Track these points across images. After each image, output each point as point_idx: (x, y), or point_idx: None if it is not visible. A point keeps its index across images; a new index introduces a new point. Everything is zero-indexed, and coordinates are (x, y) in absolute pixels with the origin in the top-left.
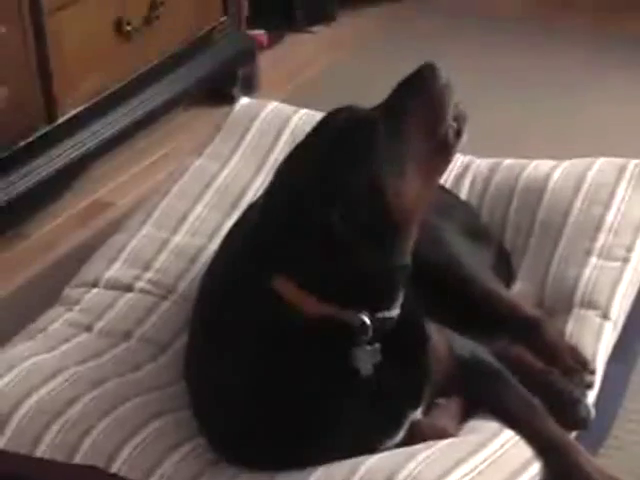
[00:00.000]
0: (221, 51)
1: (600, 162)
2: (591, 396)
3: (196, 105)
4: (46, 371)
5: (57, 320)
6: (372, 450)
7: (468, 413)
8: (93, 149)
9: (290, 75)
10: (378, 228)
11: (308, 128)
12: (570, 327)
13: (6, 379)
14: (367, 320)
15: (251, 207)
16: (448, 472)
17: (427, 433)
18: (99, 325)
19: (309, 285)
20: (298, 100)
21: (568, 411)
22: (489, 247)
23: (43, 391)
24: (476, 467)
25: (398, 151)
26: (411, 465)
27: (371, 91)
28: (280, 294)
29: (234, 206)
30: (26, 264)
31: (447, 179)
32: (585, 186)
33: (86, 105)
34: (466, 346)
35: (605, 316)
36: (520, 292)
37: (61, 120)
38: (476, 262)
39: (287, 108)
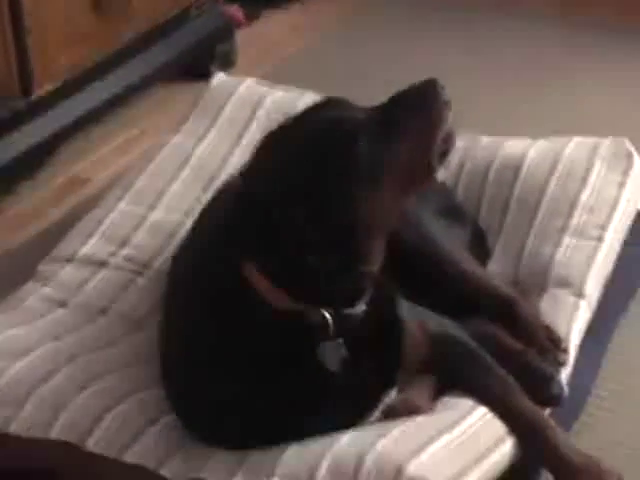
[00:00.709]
0: (198, 27)
1: (575, 141)
2: (564, 374)
3: (173, 81)
4: (20, 346)
5: (32, 295)
6: (346, 428)
7: (442, 390)
8: (69, 125)
9: (267, 52)
10: (344, 235)
11: (284, 106)
12: (544, 305)
13: None
14: (328, 316)
15: (224, 187)
16: (421, 449)
17: (401, 410)
18: (74, 301)
19: (273, 276)
20: (274, 77)
21: (541, 388)
22: (464, 226)
23: (17, 366)
24: (449, 444)
25: (379, 164)
26: (383, 443)
27: (345, 70)
28: (248, 280)
29: (210, 183)
30: (1, 240)
31: None
32: (560, 165)
33: (62, 80)
34: (441, 325)
35: (579, 294)
36: (495, 271)
37: (37, 95)
38: (451, 241)
39: (263, 85)
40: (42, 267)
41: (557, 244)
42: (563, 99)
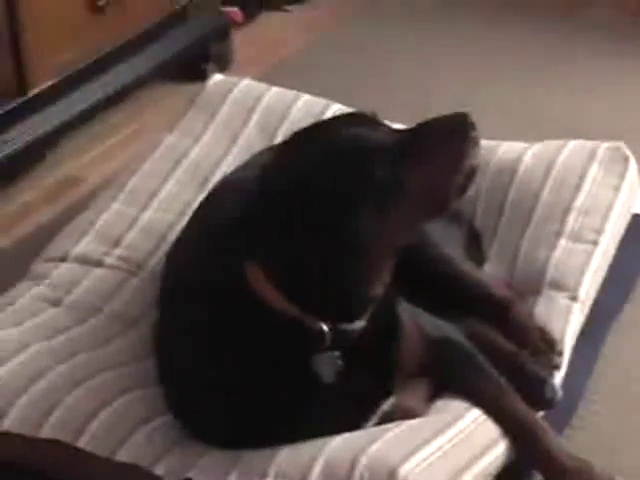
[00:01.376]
0: (195, 27)
1: (571, 145)
2: (558, 377)
3: (169, 81)
4: (14, 345)
5: (25, 294)
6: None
7: (437, 393)
8: (64, 123)
9: (264, 53)
10: (349, 255)
11: (280, 107)
12: (539, 308)
13: None
14: (325, 329)
15: (220, 185)
16: (414, 452)
17: (396, 413)
18: (68, 300)
19: (277, 281)
20: (271, 79)
21: (535, 391)
22: (460, 228)
23: (10, 365)
24: (442, 446)
25: (394, 190)
26: (376, 446)
27: (343, 72)
28: (249, 280)
29: (205, 183)
30: None
31: None
32: (556, 169)
33: (57, 79)
34: (438, 327)
35: (573, 298)
36: (490, 273)
37: (32, 93)
38: (448, 243)
39: (260, 86)
40: (35, 266)
41: (552, 247)
42: (562, 101)
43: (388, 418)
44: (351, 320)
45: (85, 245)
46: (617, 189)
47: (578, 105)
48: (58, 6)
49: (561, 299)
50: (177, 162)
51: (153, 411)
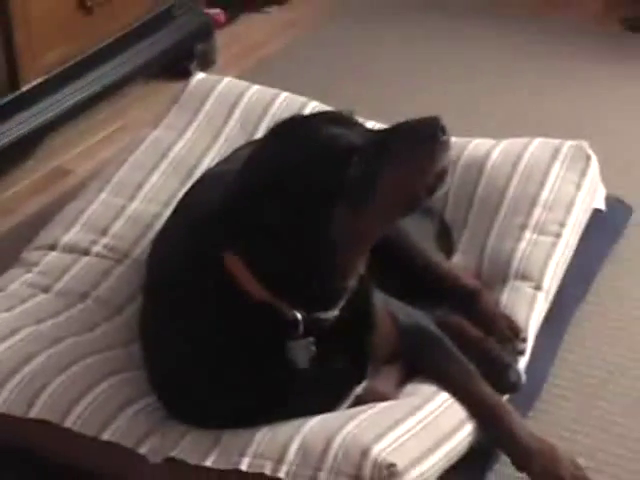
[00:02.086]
0: (179, 27)
1: (537, 142)
2: (522, 362)
3: (154, 79)
4: (3, 329)
5: (16, 281)
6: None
7: (407, 377)
8: (54, 118)
9: (245, 53)
10: (321, 249)
11: (261, 104)
12: (505, 297)
13: None
14: (299, 317)
15: (203, 178)
16: (386, 432)
17: (369, 397)
18: (57, 287)
19: (254, 271)
20: (252, 77)
21: (500, 376)
22: (432, 221)
23: (1, 349)
24: (413, 427)
25: (366, 189)
26: (350, 427)
27: (322, 71)
28: (228, 269)
29: (189, 175)
30: None
31: None
32: (522, 165)
33: (48, 75)
34: (409, 315)
35: (538, 287)
36: (460, 263)
37: (23, 89)
38: (420, 235)
39: (241, 84)
40: (25, 254)
41: (518, 239)
42: (530, 100)
43: (361, 401)
44: (325, 309)
45: (74, 234)
46: (579, 185)
47: (545, 104)
48: (48, 6)
49: (526, 288)
50: (162, 156)
51: (137, 393)
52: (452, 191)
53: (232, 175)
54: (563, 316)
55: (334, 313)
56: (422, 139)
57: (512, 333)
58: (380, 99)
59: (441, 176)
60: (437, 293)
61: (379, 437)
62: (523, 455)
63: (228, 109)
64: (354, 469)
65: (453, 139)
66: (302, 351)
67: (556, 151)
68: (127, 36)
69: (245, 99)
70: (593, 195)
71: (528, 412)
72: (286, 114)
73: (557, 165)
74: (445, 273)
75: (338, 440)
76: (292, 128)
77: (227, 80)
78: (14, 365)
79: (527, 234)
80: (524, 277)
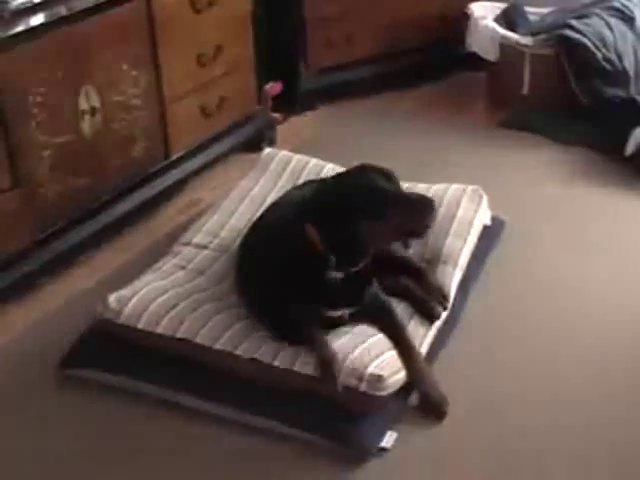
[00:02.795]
0: (256, 122)
1: (453, 186)
2: (445, 313)
3: (243, 152)
4: (161, 290)
5: (167, 263)
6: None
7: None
8: (189, 174)
9: (292, 138)
10: (353, 240)
11: (300, 165)
12: (439, 273)
13: (140, 293)
14: (333, 260)
15: (272, 204)
16: (377, 356)
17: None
18: (189, 267)
19: (321, 236)
20: (296, 151)
21: (431, 312)
22: None
23: (160, 300)
24: (390, 355)
25: (381, 221)
26: (358, 351)
27: (335, 149)
28: (307, 232)
29: (260, 205)
30: (150, 235)
31: None
32: (446, 198)
33: (185, 151)
34: (379, 291)
35: (455, 267)
36: (413, 253)
37: (173, 157)
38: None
39: (289, 154)
40: (173, 248)
41: (445, 239)
42: (445, 168)
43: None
44: (350, 266)
45: (200, 237)
46: (476, 211)
47: (454, 171)
48: (187, 113)
49: (450, 267)
50: (246, 195)
51: (237, 317)
52: None
53: (290, 201)
54: (467, 284)
55: (354, 269)
56: (421, 207)
57: (442, 296)
58: (373, 159)
59: (425, 228)
60: (401, 270)
61: (373, 359)
62: (418, 378)
63: (282, 167)
64: (359, 376)
65: (408, 184)
66: (334, 276)
67: (464, 190)
68: (229, 128)
69: (292, 163)
70: (483, 217)
71: (446, 340)
72: (314, 172)
73: (465, 198)
74: (406, 259)
75: (351, 357)
76: (361, 172)
77: (282, 152)
78: (167, 309)
79: (449, 237)
80: (448, 261)
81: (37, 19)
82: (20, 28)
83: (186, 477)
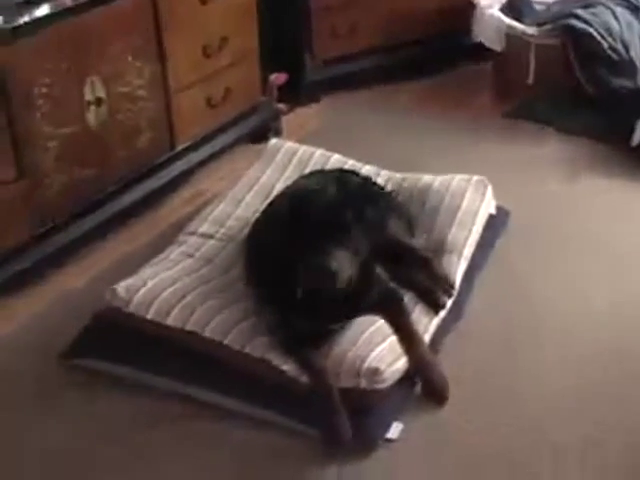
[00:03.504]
0: (262, 113)
1: (458, 177)
2: (450, 301)
3: (249, 142)
4: (168, 280)
5: (173, 252)
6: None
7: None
8: (195, 165)
9: (298, 129)
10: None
11: (306, 156)
12: (444, 263)
13: (149, 284)
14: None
15: (278, 194)
16: (373, 348)
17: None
18: (196, 255)
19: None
20: (302, 142)
21: (437, 303)
22: (405, 220)
23: (169, 290)
24: (387, 346)
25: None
26: (358, 343)
27: (339, 140)
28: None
29: (267, 195)
30: (156, 226)
31: (386, 185)
32: (451, 189)
33: (191, 142)
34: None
35: (460, 257)
36: (420, 243)
37: (179, 148)
38: (399, 228)
39: (295, 145)
40: (179, 237)
41: (450, 229)
42: (450, 158)
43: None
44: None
45: (206, 227)
46: (481, 201)
47: (461, 163)
48: (191, 104)
49: (455, 257)
50: (253, 184)
51: (245, 313)
52: (414, 204)
53: (298, 190)
54: (472, 274)
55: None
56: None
57: (448, 285)
58: (381, 151)
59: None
60: (408, 260)
61: (372, 349)
62: (419, 367)
63: (289, 158)
64: (356, 373)
65: (411, 174)
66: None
67: (469, 181)
68: (234, 118)
69: (299, 153)
70: (488, 206)
71: (438, 346)
72: (321, 162)
73: (470, 189)
74: (413, 249)
75: (346, 360)
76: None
77: (288, 143)
78: (176, 299)
79: (454, 227)
80: (453, 251)
81: (42, 10)
82: (25, 19)
83: (192, 475)
